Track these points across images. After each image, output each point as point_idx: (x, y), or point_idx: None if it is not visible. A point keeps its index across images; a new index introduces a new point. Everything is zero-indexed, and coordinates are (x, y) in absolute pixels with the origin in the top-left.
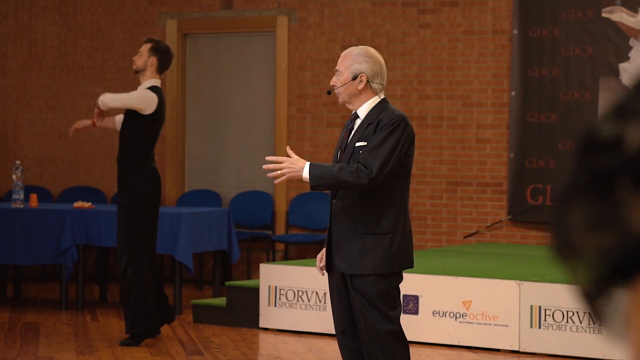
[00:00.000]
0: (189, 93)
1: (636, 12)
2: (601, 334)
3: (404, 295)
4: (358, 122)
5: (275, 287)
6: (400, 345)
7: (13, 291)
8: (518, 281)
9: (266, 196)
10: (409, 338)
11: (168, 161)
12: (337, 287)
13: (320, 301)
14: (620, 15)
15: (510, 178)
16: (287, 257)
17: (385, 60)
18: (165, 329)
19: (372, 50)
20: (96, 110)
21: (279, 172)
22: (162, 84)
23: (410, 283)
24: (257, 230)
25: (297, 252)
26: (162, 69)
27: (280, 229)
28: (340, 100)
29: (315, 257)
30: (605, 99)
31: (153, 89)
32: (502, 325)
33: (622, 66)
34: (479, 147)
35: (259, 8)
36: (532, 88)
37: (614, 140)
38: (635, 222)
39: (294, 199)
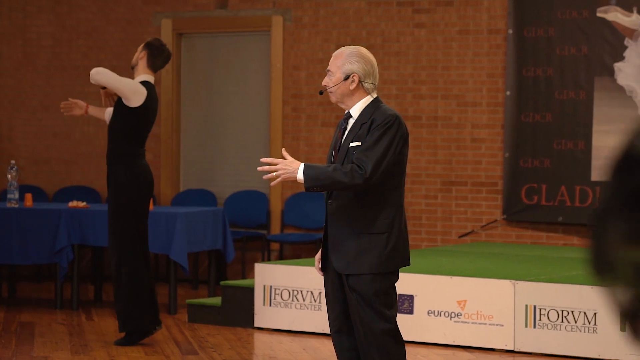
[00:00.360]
0: (184, 92)
1: (631, 11)
2: (596, 333)
3: (399, 295)
4: (351, 121)
5: (270, 287)
6: (397, 344)
7: (8, 291)
8: (513, 281)
9: (261, 196)
10: (404, 338)
11: (163, 161)
12: (332, 287)
13: (315, 301)
14: (615, 15)
15: (505, 178)
16: (282, 257)
17: (380, 60)
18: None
19: (363, 50)
20: (101, 90)
21: (274, 173)
22: (157, 83)
23: (405, 282)
24: (252, 230)
25: (292, 251)
26: (153, 63)
27: (276, 228)
28: (333, 99)
29: (311, 256)
30: (600, 99)
31: (143, 83)
32: (497, 325)
33: (617, 66)
34: (474, 146)
35: (254, 7)
36: (527, 87)
37: None
38: None
39: (289, 199)
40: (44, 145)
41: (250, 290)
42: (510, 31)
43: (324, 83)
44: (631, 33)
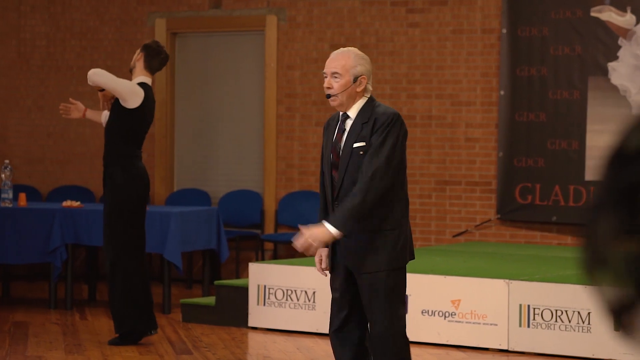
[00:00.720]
0: (178, 92)
1: (625, 11)
2: (590, 332)
3: None
4: (349, 122)
5: (264, 286)
6: (407, 342)
7: (2, 290)
8: (507, 280)
9: (255, 195)
10: None
11: (157, 160)
12: (340, 287)
13: (309, 300)
14: (609, 15)
15: (499, 177)
16: (276, 256)
17: (374, 60)
18: None
19: (360, 51)
20: (100, 93)
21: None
22: (151, 83)
23: None
24: (246, 230)
25: (286, 251)
26: (150, 65)
27: (269, 228)
28: (336, 103)
29: (304, 256)
30: (594, 98)
31: (141, 85)
32: (491, 324)
33: (611, 65)
34: (468, 146)
35: (248, 7)
36: (521, 87)
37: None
38: None
39: (283, 198)
40: (38, 145)
41: (244, 289)
42: (504, 31)
43: (327, 85)
44: (625, 33)
